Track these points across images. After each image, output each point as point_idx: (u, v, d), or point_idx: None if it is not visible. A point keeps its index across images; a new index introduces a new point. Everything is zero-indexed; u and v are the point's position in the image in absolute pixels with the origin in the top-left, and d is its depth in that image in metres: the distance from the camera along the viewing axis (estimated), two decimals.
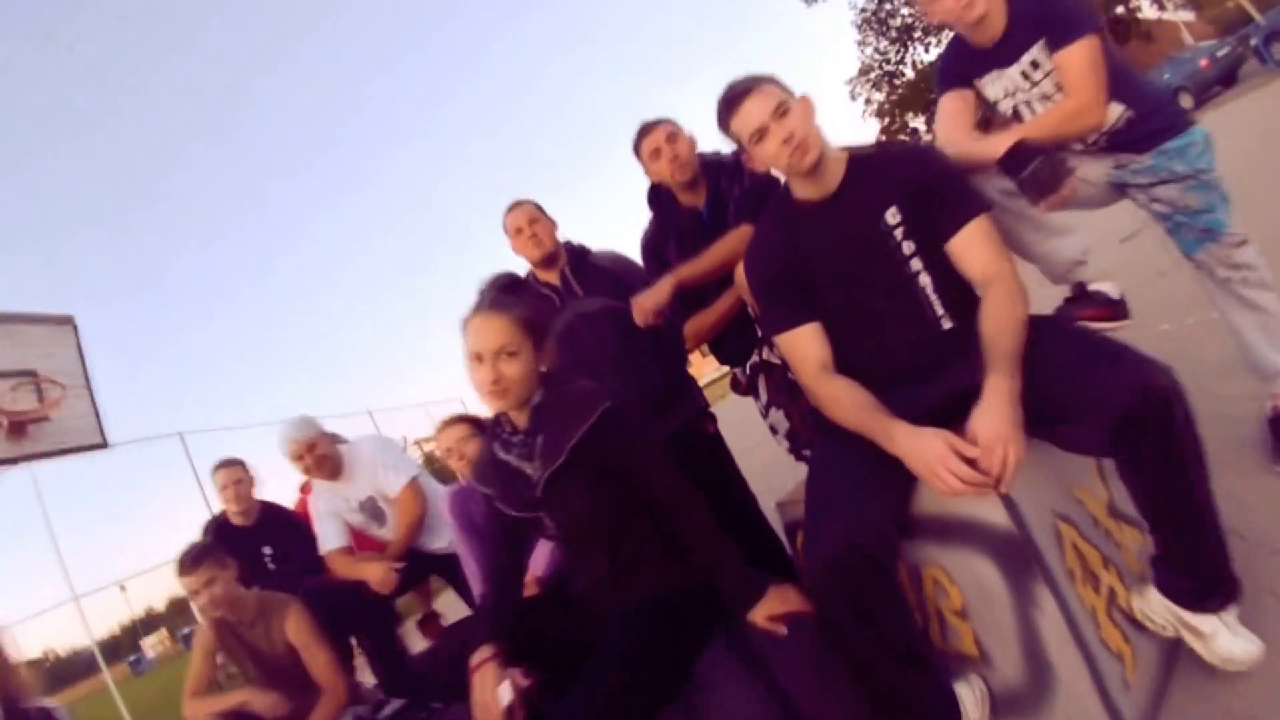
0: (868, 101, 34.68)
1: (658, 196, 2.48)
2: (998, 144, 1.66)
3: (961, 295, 1.56)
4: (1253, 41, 14.85)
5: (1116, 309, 1.88)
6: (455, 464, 2.55)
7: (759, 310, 1.86)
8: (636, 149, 2.39)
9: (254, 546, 3.31)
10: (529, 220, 2.49)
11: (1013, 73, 1.88)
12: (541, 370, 1.65)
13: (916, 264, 1.57)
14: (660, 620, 1.55)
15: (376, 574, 2.74)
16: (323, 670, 2.54)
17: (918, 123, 35.22)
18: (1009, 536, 1.35)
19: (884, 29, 30.63)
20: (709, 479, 1.89)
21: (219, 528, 3.44)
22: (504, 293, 2.14)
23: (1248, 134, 8.13)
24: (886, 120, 35.67)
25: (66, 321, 7.32)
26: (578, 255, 2.60)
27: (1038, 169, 1.56)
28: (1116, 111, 1.83)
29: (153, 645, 57.51)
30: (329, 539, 2.92)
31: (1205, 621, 1.38)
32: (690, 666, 1.57)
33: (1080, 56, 1.73)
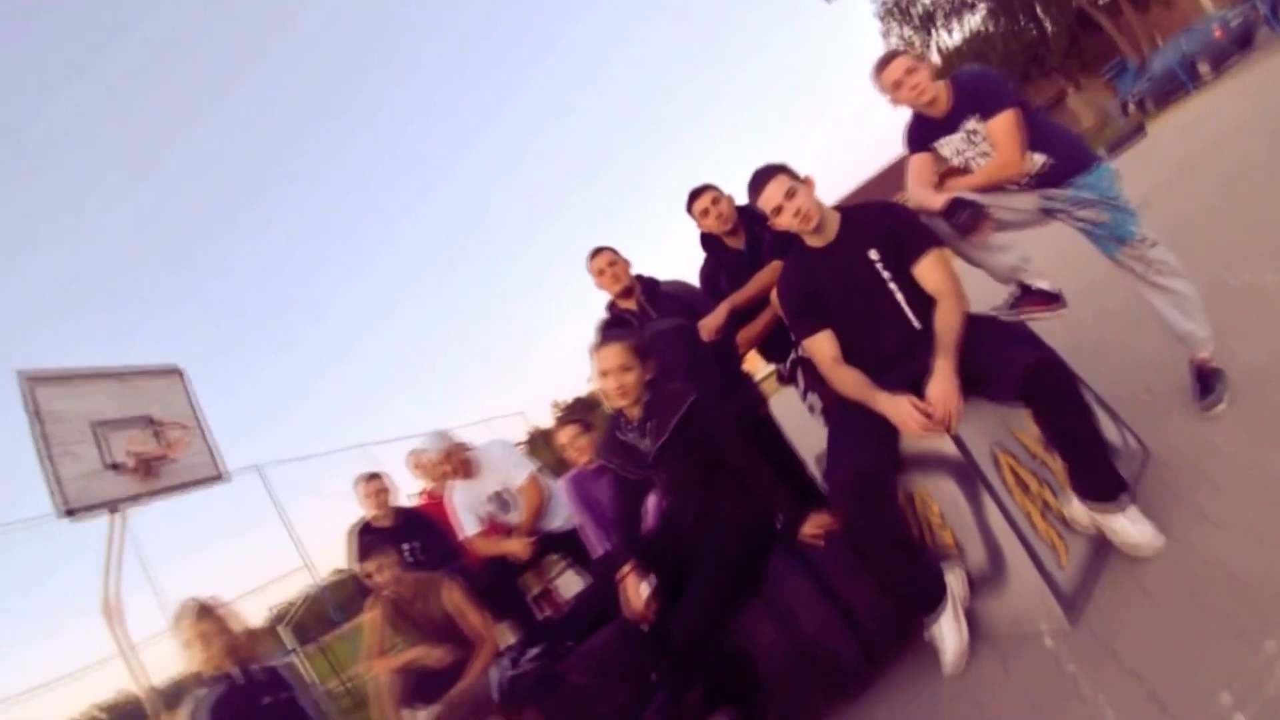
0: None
1: (708, 241, 3.24)
2: (938, 200, 2.38)
3: (924, 303, 2.27)
4: (1260, 9, 14.97)
5: (1054, 300, 2.56)
6: (572, 454, 3.33)
7: (789, 323, 2.59)
8: (689, 209, 3.16)
9: (395, 544, 4.06)
10: (609, 263, 3.27)
11: (957, 138, 2.59)
12: (647, 378, 2.43)
13: (893, 285, 2.29)
14: (738, 541, 2.30)
15: (516, 547, 3.54)
16: (476, 628, 3.28)
17: None
18: (960, 463, 2.07)
19: (906, 16, 30.72)
20: (764, 444, 2.65)
21: (365, 530, 4.25)
22: (614, 328, 2.93)
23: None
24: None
25: (174, 371, 8.36)
26: (649, 286, 3.37)
27: (963, 220, 2.27)
28: (1040, 159, 2.52)
29: None
30: (468, 526, 3.72)
31: (1112, 518, 2.06)
32: (762, 571, 2.32)
33: (1003, 126, 2.43)
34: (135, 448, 7.22)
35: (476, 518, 3.70)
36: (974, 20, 30.12)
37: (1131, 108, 20.27)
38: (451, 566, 3.72)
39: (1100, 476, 2.05)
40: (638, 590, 2.27)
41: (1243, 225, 4.37)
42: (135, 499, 7.19)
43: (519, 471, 3.71)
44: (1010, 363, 1.99)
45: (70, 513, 6.57)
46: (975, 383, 2.06)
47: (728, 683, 2.27)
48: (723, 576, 2.24)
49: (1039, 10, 28.06)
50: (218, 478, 8.22)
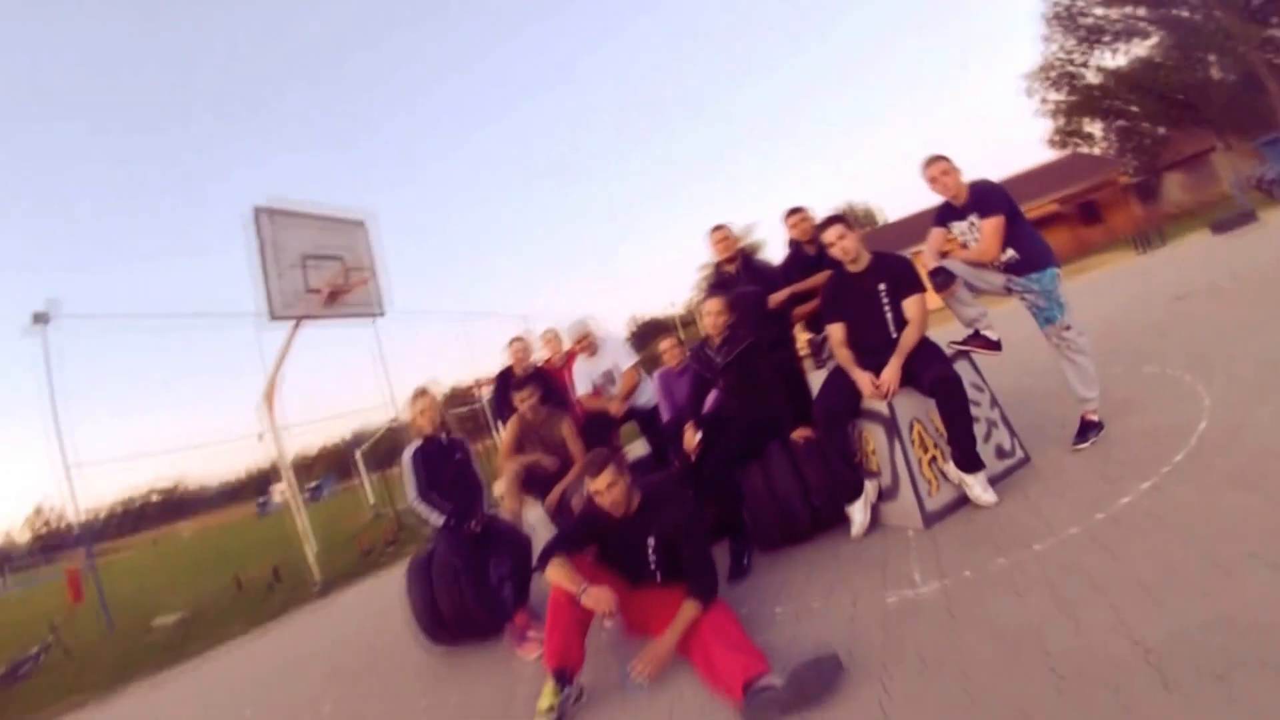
0: (1043, 100, 33.83)
1: (793, 243, 4.74)
2: (931, 264, 3.84)
3: (902, 324, 3.76)
4: None
5: (993, 346, 4.00)
6: (667, 358, 4.94)
7: (822, 312, 4.10)
8: (785, 218, 4.66)
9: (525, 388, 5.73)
10: (723, 238, 4.83)
11: (963, 224, 3.99)
12: (730, 321, 4.02)
13: (888, 309, 3.78)
14: (757, 425, 3.93)
15: (613, 406, 5.20)
16: (575, 453, 4.90)
17: (1094, 128, 33.74)
18: (888, 420, 3.61)
19: (1073, 26, 29.86)
20: (790, 378, 4.25)
21: (505, 375, 5.95)
22: (719, 288, 4.51)
23: None
24: (1061, 120, 34.39)
25: (362, 223, 10.27)
26: (747, 257, 4.90)
27: (939, 281, 3.74)
28: (1010, 254, 3.92)
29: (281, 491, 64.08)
30: (581, 389, 5.39)
31: (970, 479, 3.57)
32: (764, 448, 3.95)
33: (990, 227, 3.83)
34: (327, 280, 9.17)
35: (590, 383, 5.36)
36: (1142, 47, 29.08)
37: (1258, 188, 19.96)
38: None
39: (967, 453, 3.55)
40: (693, 436, 3.94)
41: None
42: (317, 317, 9.19)
43: (626, 360, 5.33)
44: (927, 371, 3.50)
45: (274, 318, 8.59)
46: (910, 378, 3.58)
47: (729, 510, 3.91)
48: (741, 443, 3.89)
49: (1212, 56, 27.01)
50: (379, 314, 10.22)
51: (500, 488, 4.89)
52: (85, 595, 11.73)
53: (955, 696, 2.07)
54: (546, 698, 2.84)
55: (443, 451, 4.48)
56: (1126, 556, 2.52)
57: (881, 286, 3.80)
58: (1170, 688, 1.78)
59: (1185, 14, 26.99)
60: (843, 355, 3.81)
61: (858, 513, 3.72)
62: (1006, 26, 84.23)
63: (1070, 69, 31.83)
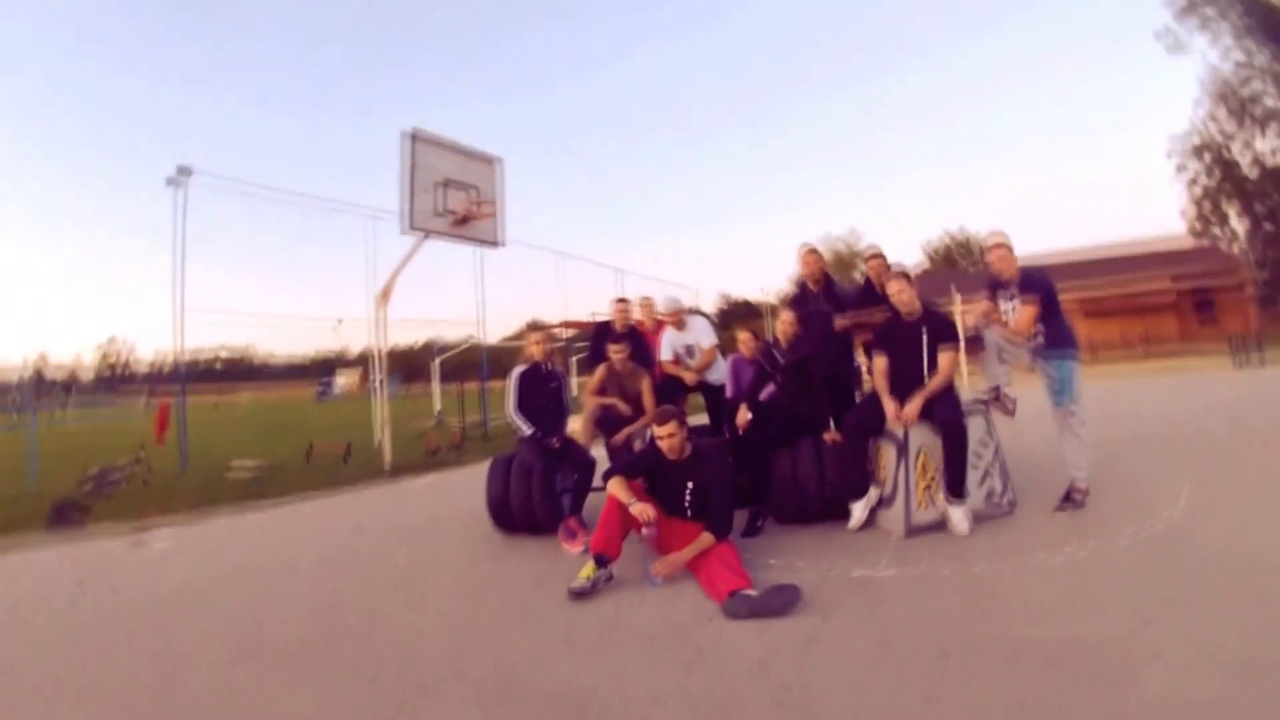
0: (1193, 181, 32.27)
1: (868, 281, 5.56)
2: (970, 328, 4.63)
3: (933, 368, 4.58)
4: None
5: (1008, 410, 4.78)
6: (741, 348, 5.86)
7: (873, 343, 4.94)
8: (866, 261, 5.49)
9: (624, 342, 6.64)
10: (815, 260, 5.67)
11: (1005, 301, 4.75)
12: (797, 331, 4.93)
13: (925, 353, 4.61)
14: (798, 420, 4.89)
15: (688, 375, 6.15)
16: (648, 406, 5.83)
17: (1238, 223, 32.07)
18: (901, 442, 4.49)
19: (1238, 108, 28.29)
20: (840, 390, 5.14)
21: (605, 327, 6.96)
22: (796, 303, 5.42)
23: None
24: (1205, 203, 32.78)
25: (497, 159, 11.42)
26: (828, 280, 5.74)
27: (972, 338, 4.54)
28: (1039, 336, 4.67)
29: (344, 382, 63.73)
30: (665, 355, 6.36)
31: (951, 507, 4.42)
32: (798, 439, 4.87)
33: (1025, 309, 4.59)
34: (460, 205, 10.34)
35: (672, 352, 6.33)
36: None
37: None
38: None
39: (955, 483, 4.39)
40: (744, 415, 4.90)
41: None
42: (445, 236, 10.40)
43: (706, 339, 6.27)
44: (941, 412, 4.34)
45: (411, 229, 9.81)
46: (927, 414, 4.42)
47: (757, 482, 4.84)
48: (781, 431, 4.85)
49: None
50: (498, 245, 11.40)
51: (578, 421, 5.93)
52: (167, 433, 12.13)
53: (873, 637, 2.99)
54: (586, 571, 3.87)
55: (542, 378, 5.55)
56: (1027, 592, 3.39)
57: (924, 334, 4.62)
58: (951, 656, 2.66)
59: None
60: (880, 384, 4.67)
61: (858, 509, 4.60)
62: (1167, 81, 79.77)
63: (1225, 155, 30.37)
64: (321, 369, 71.57)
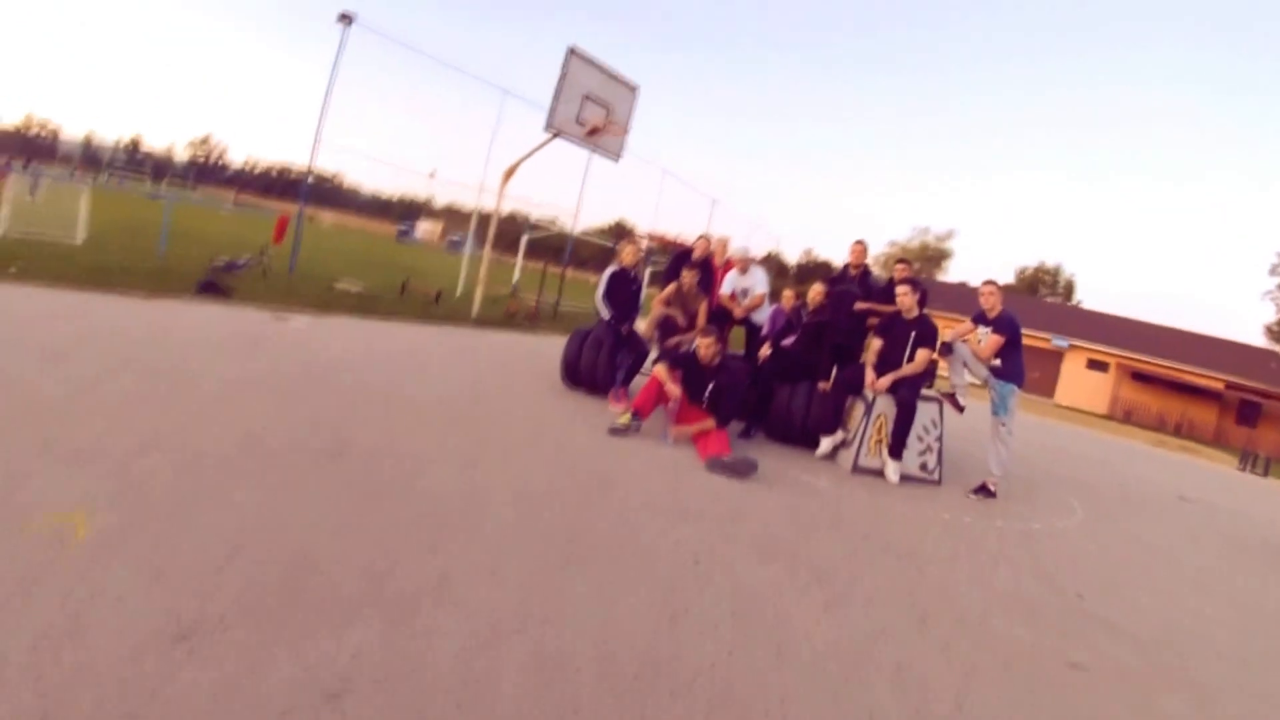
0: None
1: (891, 281, 7.07)
2: (948, 340, 6.19)
3: (910, 361, 6.16)
4: None
5: (958, 407, 6.37)
6: (784, 303, 7.42)
7: (875, 330, 6.50)
8: (894, 266, 7.01)
9: (693, 267, 8.22)
10: (861, 249, 7.23)
11: (985, 330, 6.24)
12: (826, 301, 6.55)
13: (909, 349, 6.16)
14: (801, 365, 6.53)
15: (738, 310, 7.73)
16: (702, 321, 7.42)
17: None
18: (869, 405, 6.13)
19: None
20: (843, 353, 6.77)
21: (685, 254, 8.55)
22: (835, 280, 7.00)
23: None
24: None
25: (636, 87, 12.81)
26: (866, 270, 7.28)
27: (943, 350, 6.11)
28: (997, 361, 6.19)
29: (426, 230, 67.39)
30: (725, 290, 7.93)
31: (890, 464, 6.07)
32: (800, 378, 6.52)
33: (991, 340, 6.10)
34: (594, 119, 11.85)
35: (731, 289, 7.88)
36: None
37: None
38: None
39: (896, 447, 6.03)
40: (765, 350, 6.58)
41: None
42: (574, 140, 11.94)
43: (760, 287, 7.79)
44: (901, 391, 5.95)
45: (547, 128, 11.36)
46: (892, 390, 6.04)
47: (760, 402, 6.53)
48: (786, 371, 6.50)
49: None
50: (616, 160, 12.94)
51: (644, 321, 7.63)
52: (283, 243, 13.06)
53: (785, 514, 4.71)
54: (623, 418, 5.65)
55: (627, 280, 7.26)
56: (896, 522, 5.06)
57: (913, 333, 6.16)
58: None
59: None
60: (870, 359, 6.28)
61: (826, 443, 6.29)
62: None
63: None
64: (405, 212, 73.70)
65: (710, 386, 5.86)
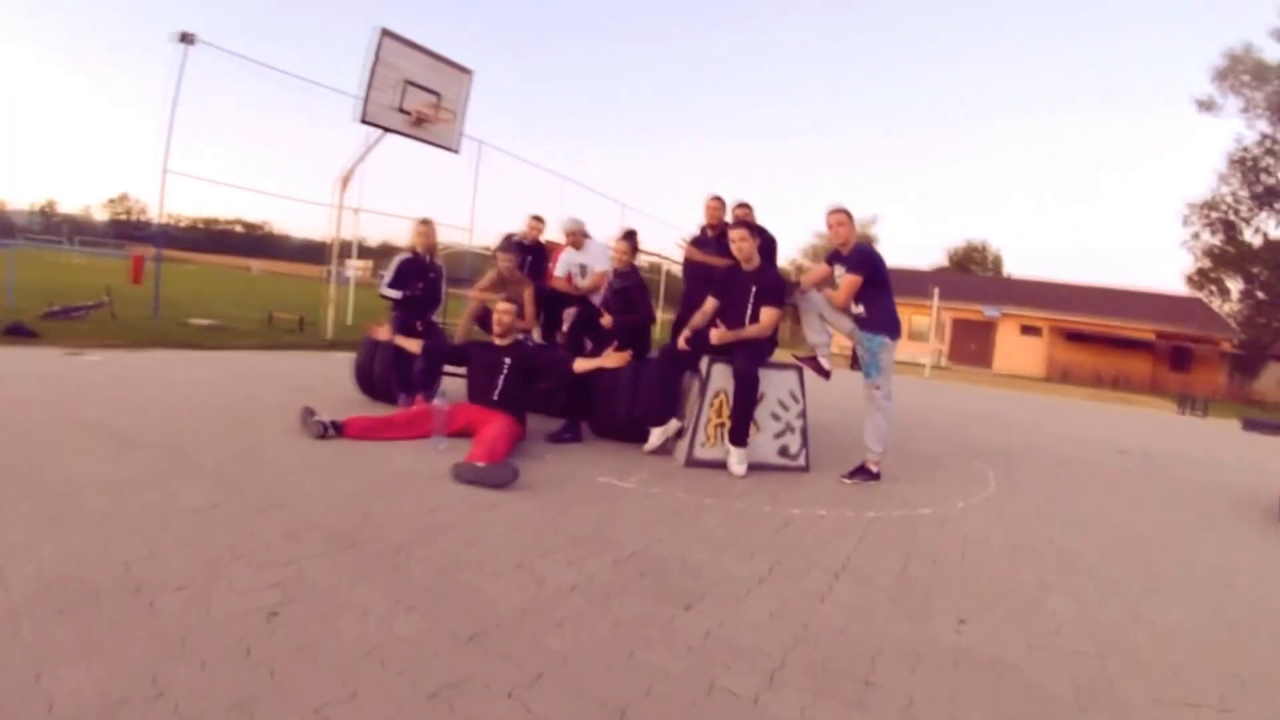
0: (1195, 236, 32.40)
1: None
2: (804, 289, 4.86)
3: (754, 318, 4.80)
4: None
5: (823, 372, 5.02)
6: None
7: (712, 287, 5.14)
8: (734, 211, 5.67)
9: (521, 254, 6.82)
10: (717, 205, 5.93)
11: (840, 270, 4.92)
12: (626, 260, 5.18)
13: (750, 308, 4.83)
14: (625, 330, 5.10)
15: (574, 290, 6.31)
16: (529, 313, 6.08)
17: (1234, 282, 32.29)
18: (704, 381, 4.78)
19: (1253, 179, 28.23)
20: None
21: (513, 239, 7.15)
22: (697, 243, 5.61)
23: None
24: (1206, 262, 32.99)
25: (468, 72, 11.46)
26: (723, 228, 5.87)
27: (794, 300, 4.79)
28: (860, 309, 4.87)
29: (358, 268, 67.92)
30: (559, 272, 6.56)
31: (731, 451, 4.71)
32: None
33: (847, 281, 4.79)
34: (418, 106, 10.45)
35: (567, 269, 6.52)
36: None
37: None
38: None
39: (737, 430, 4.68)
40: (607, 317, 5.44)
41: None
42: (398, 133, 10.51)
43: (598, 265, 6.42)
44: (737, 357, 4.60)
45: (363, 121, 9.93)
46: (729, 357, 4.68)
47: (582, 387, 5.14)
48: (605, 341, 5.15)
49: None
50: (453, 150, 11.54)
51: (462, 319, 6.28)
52: (143, 283, 12.74)
53: (549, 519, 3.31)
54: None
55: (422, 268, 6.06)
56: (696, 551, 3.71)
57: (754, 289, 4.83)
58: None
59: None
60: (697, 319, 4.99)
61: (655, 436, 4.92)
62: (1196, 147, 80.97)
63: (1233, 219, 30.33)
64: (342, 253, 73.06)
65: (505, 366, 4.78)
